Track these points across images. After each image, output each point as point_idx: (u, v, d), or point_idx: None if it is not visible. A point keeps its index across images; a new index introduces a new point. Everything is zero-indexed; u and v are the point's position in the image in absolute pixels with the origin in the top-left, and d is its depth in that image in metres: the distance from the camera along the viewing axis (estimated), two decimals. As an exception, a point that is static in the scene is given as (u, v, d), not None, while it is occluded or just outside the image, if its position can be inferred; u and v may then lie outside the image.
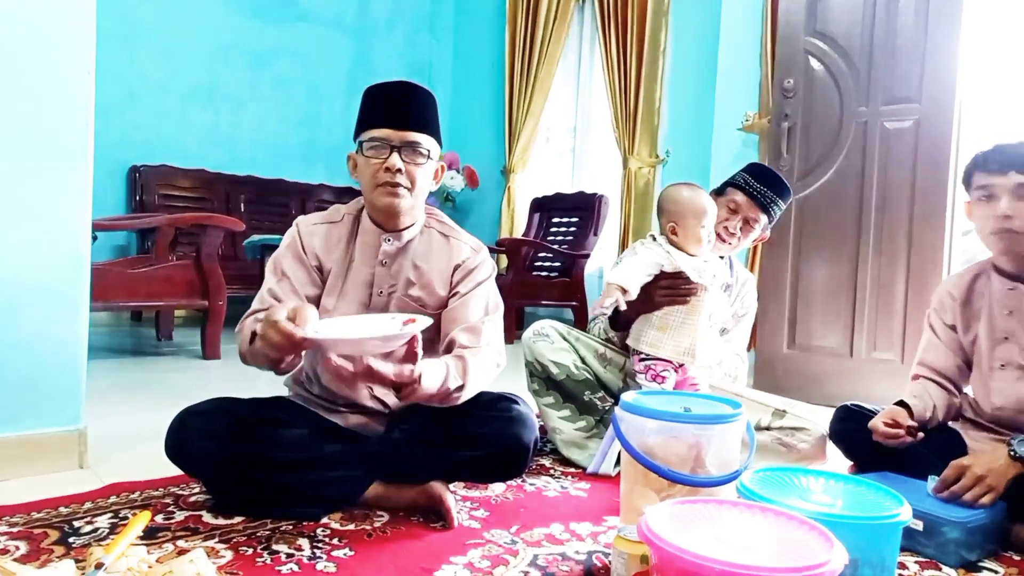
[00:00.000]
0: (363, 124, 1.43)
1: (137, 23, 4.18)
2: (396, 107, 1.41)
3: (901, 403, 1.59)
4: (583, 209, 4.47)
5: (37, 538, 1.23)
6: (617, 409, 1.28)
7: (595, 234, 4.37)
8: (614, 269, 1.73)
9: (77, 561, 1.08)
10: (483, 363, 1.45)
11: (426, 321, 1.21)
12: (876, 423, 1.54)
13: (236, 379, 2.91)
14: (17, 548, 1.19)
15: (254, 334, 1.27)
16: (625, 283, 1.64)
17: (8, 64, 1.49)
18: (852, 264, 2.83)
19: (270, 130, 4.89)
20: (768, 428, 1.73)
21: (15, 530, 1.26)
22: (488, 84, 5.27)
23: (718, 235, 1.90)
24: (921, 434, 1.52)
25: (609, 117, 4.32)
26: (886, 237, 2.76)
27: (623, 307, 1.65)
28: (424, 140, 1.42)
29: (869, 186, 2.79)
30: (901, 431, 1.51)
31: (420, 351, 1.21)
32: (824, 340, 2.87)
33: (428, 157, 1.43)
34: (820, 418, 1.84)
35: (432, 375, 1.28)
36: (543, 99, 4.80)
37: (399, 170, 1.39)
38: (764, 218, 1.91)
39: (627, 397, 1.30)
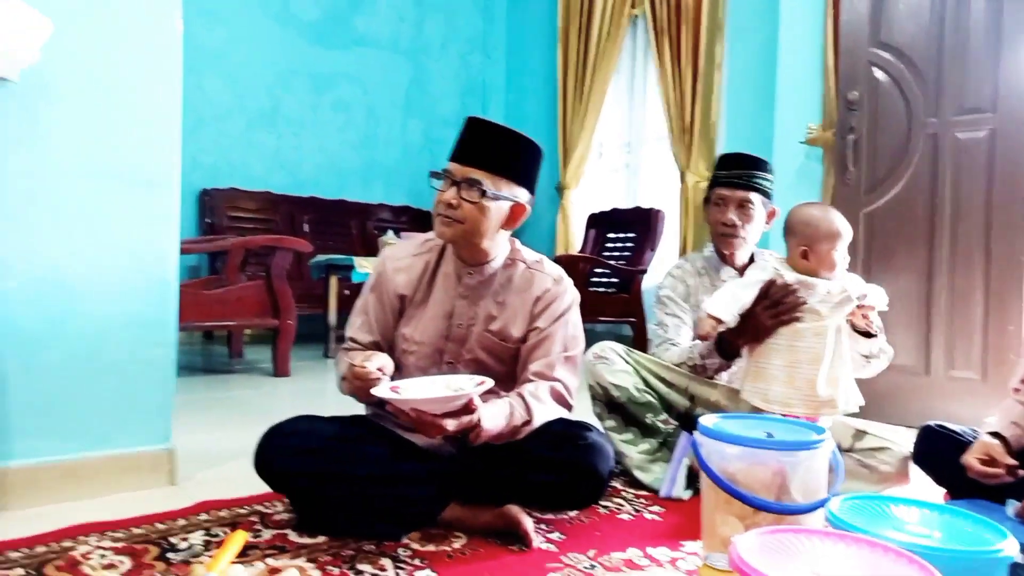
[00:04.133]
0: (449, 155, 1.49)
1: (204, 51, 4.36)
2: (469, 144, 1.45)
3: (995, 434, 1.47)
4: (640, 224, 4.45)
5: (139, 553, 1.30)
6: (696, 434, 1.27)
7: (652, 249, 4.34)
8: (712, 297, 1.68)
9: (180, 578, 1.13)
10: (549, 399, 1.48)
11: (490, 383, 1.34)
12: (970, 461, 1.43)
13: (307, 396, 3.00)
14: (122, 563, 1.25)
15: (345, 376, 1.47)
16: (718, 312, 1.60)
17: (102, 100, 1.58)
18: (924, 279, 2.74)
19: (330, 152, 5.03)
20: (849, 450, 1.69)
21: (119, 545, 1.33)
22: (541, 102, 5.31)
23: (726, 235, 1.89)
24: (1022, 471, 1.40)
25: (665, 131, 4.30)
26: (960, 251, 2.67)
27: (714, 336, 1.62)
28: (487, 180, 1.43)
29: (941, 199, 2.71)
30: (1000, 471, 1.40)
31: (478, 404, 1.32)
32: (898, 358, 2.76)
33: (487, 196, 1.43)
34: (900, 438, 1.78)
35: (494, 417, 1.37)
36: (596, 115, 4.81)
37: (451, 204, 1.43)
38: (754, 195, 1.89)
39: (706, 421, 1.29)
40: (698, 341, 1.85)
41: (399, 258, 1.57)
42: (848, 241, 1.64)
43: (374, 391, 1.32)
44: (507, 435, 1.41)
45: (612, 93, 4.81)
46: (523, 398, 1.45)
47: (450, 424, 1.29)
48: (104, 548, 1.31)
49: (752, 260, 1.94)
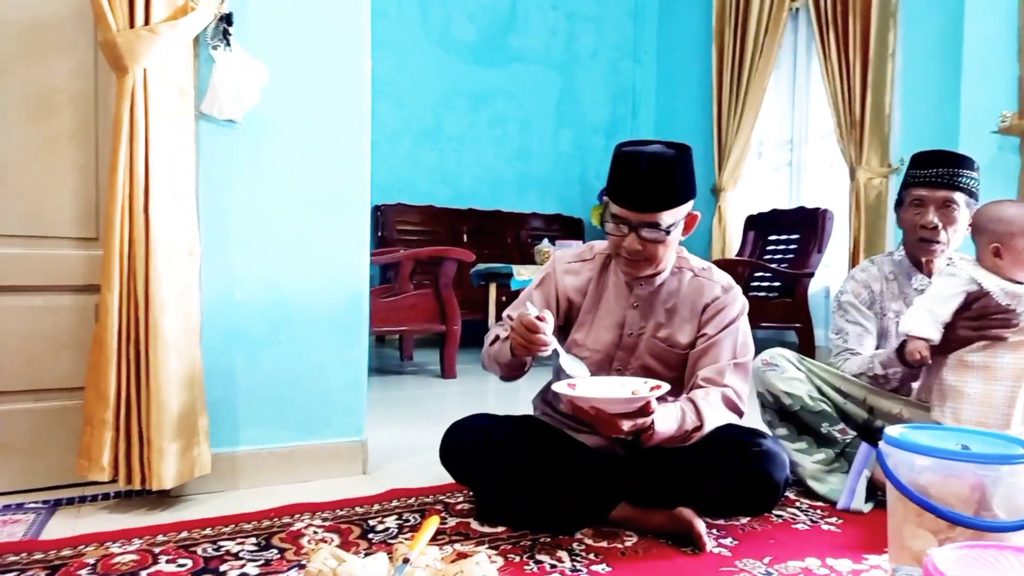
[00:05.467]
0: (609, 190, 1.48)
1: (376, 79, 4.71)
2: (638, 188, 1.42)
3: None
4: (804, 225, 4.24)
5: (344, 532, 1.47)
6: (882, 444, 1.22)
7: (819, 251, 4.11)
8: (907, 315, 1.60)
9: (387, 554, 1.27)
10: (720, 404, 1.48)
11: (666, 387, 1.35)
12: None
13: (473, 396, 3.18)
14: (332, 540, 1.42)
15: (496, 338, 1.54)
16: (925, 332, 1.52)
17: (308, 135, 1.81)
18: None
19: (487, 165, 5.27)
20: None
21: (327, 524, 1.51)
22: (694, 103, 5.21)
23: (926, 240, 1.73)
24: None
25: (832, 127, 4.07)
26: None
27: (929, 361, 1.53)
28: (666, 217, 1.43)
29: None
30: None
31: (655, 407, 1.34)
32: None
33: (668, 231, 1.44)
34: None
35: (666, 420, 1.39)
36: (754, 113, 4.65)
37: (636, 250, 1.44)
38: (958, 195, 1.71)
39: (892, 432, 1.24)
40: (880, 351, 1.75)
41: (568, 261, 1.63)
42: None
43: (554, 386, 1.38)
44: (678, 439, 1.43)
45: (771, 90, 4.63)
46: (694, 403, 1.46)
47: (625, 424, 1.32)
48: (316, 525, 1.49)
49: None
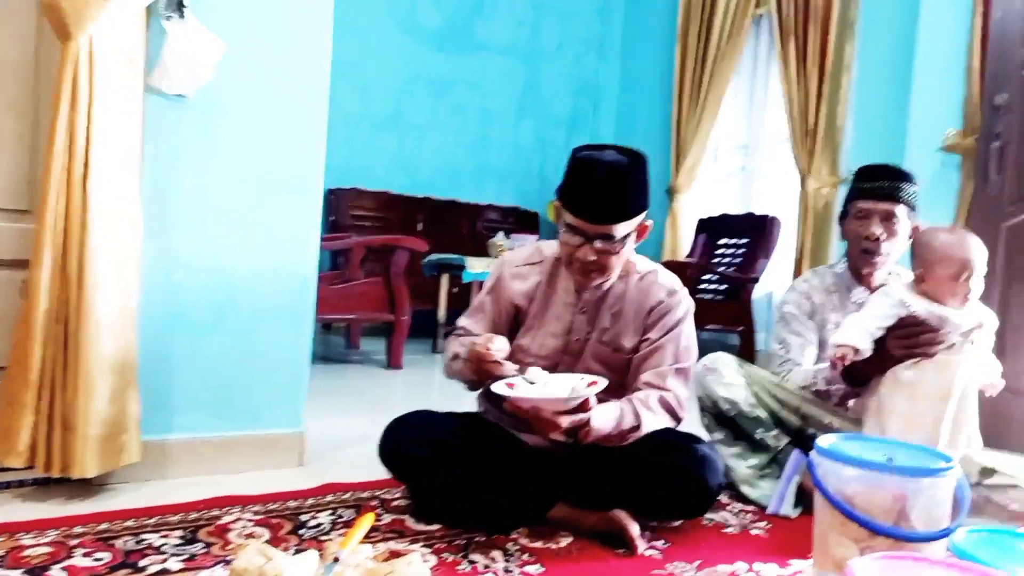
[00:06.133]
0: (564, 197, 1.46)
1: (336, 60, 4.60)
2: (595, 199, 1.42)
3: None
4: (753, 231, 4.32)
5: (275, 527, 1.43)
6: (813, 453, 1.25)
7: (766, 257, 4.20)
8: (841, 327, 1.64)
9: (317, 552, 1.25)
10: (659, 408, 1.50)
11: (604, 383, 1.38)
12: None
13: (419, 388, 3.15)
14: (261, 534, 1.39)
15: (456, 356, 1.53)
16: (857, 343, 1.56)
17: (262, 114, 1.75)
18: (1075, 299, 2.52)
19: (446, 154, 5.21)
20: (977, 485, 1.59)
21: (258, 517, 1.47)
22: (655, 103, 5.26)
23: (868, 251, 1.79)
24: None
25: (786, 135, 4.16)
26: (1120, 270, 2.43)
27: (847, 362, 1.58)
28: (620, 229, 1.43)
29: (1099, 212, 2.48)
30: None
31: (593, 404, 1.37)
32: (1037, 383, 2.57)
33: (624, 242, 1.45)
34: (1034, 474, 1.66)
35: (604, 418, 1.41)
36: (713, 117, 4.71)
37: (590, 260, 1.44)
38: (900, 208, 1.77)
39: (823, 441, 1.27)
40: (823, 365, 1.80)
41: (516, 264, 1.62)
42: (977, 271, 1.54)
43: (493, 387, 1.38)
44: (615, 438, 1.45)
45: (731, 94, 4.69)
46: (633, 404, 1.48)
47: (564, 421, 1.34)
48: (246, 519, 1.45)
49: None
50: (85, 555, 1.25)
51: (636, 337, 1.56)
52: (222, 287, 1.72)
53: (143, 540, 1.32)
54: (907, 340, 1.56)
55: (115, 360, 1.50)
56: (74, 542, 1.29)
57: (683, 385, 1.55)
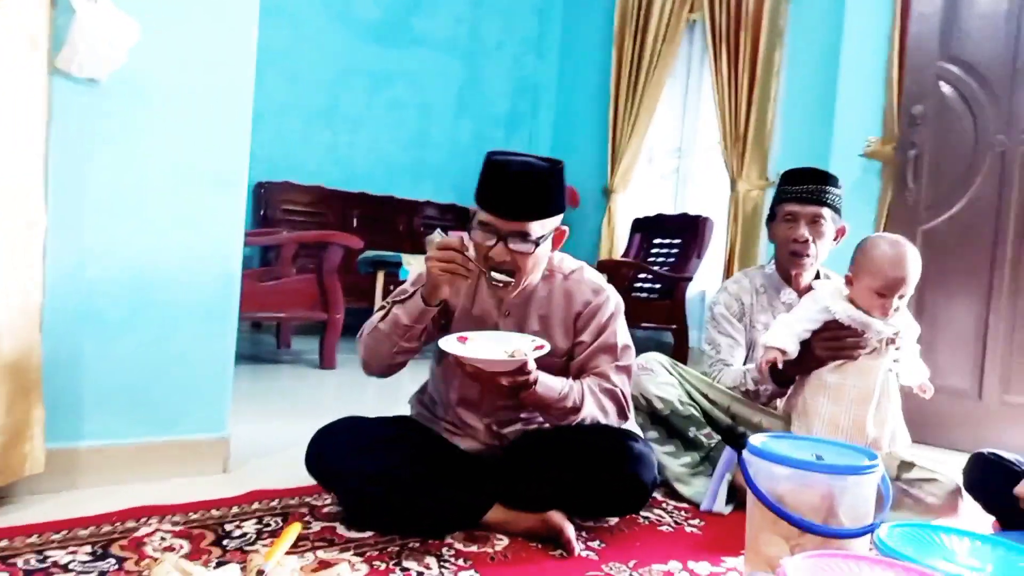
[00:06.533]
0: (478, 197, 1.44)
1: (267, 48, 4.41)
2: (508, 195, 1.39)
3: None
4: (687, 231, 4.41)
5: (196, 538, 1.35)
6: (745, 453, 1.27)
7: (698, 257, 4.30)
8: (771, 329, 1.68)
9: (239, 564, 1.18)
10: (606, 399, 1.50)
11: (548, 347, 1.41)
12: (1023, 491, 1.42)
13: (352, 389, 3.06)
14: (181, 547, 1.31)
15: (386, 313, 1.51)
16: (784, 345, 1.60)
17: (181, 102, 1.65)
18: (983, 301, 2.66)
19: (382, 149, 5.11)
20: (896, 479, 1.66)
21: (177, 528, 1.39)
22: (592, 104, 5.30)
23: (796, 253, 1.84)
24: None
25: (717, 138, 4.26)
26: (1024, 274, 2.58)
27: (779, 365, 1.61)
28: (535, 228, 1.41)
29: (1006, 218, 2.63)
30: None
31: (533, 367, 1.40)
32: (949, 381, 2.71)
33: (537, 243, 1.42)
34: (950, 469, 1.75)
35: (549, 383, 1.42)
36: (648, 120, 4.78)
37: (504, 260, 1.42)
38: (826, 210, 1.84)
39: (755, 440, 1.29)
40: (751, 366, 1.84)
41: None
42: (904, 289, 1.57)
43: (441, 342, 1.39)
44: (555, 411, 1.47)
45: (665, 98, 4.77)
46: (582, 386, 1.49)
47: (505, 380, 1.36)
48: (164, 531, 1.37)
49: (817, 278, 1.92)
50: (-21, 576, 1.15)
51: (568, 339, 1.55)
52: (138, 284, 1.62)
53: (47, 557, 1.23)
54: (831, 343, 1.60)
55: (15, 362, 1.39)
56: (-33, 562, 1.19)
57: (627, 383, 1.56)
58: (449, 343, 1.39)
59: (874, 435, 1.55)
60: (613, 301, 1.57)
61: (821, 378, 1.62)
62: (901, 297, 1.58)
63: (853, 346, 1.58)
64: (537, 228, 1.42)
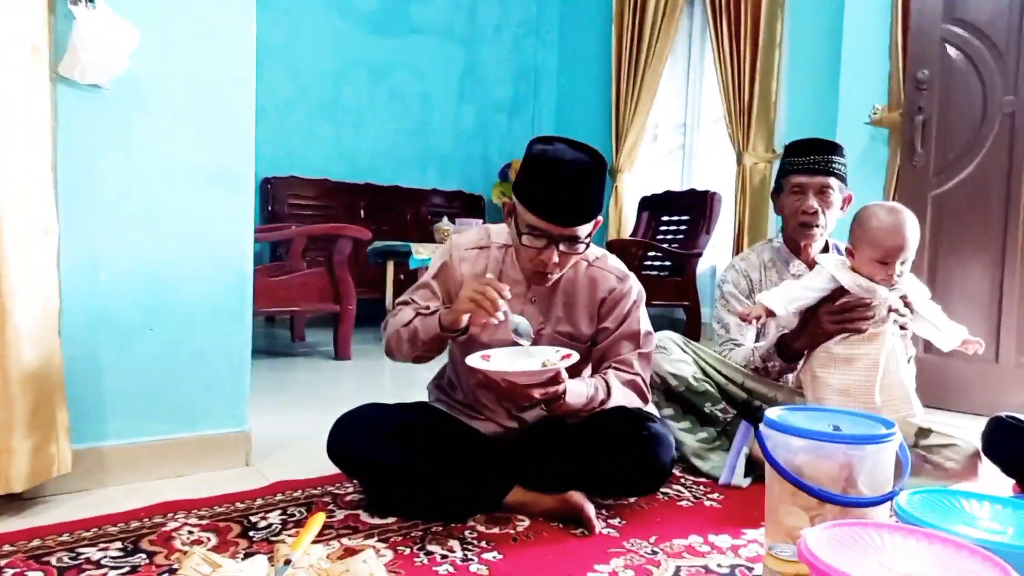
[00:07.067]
0: (527, 200, 1.39)
1: (267, 44, 4.41)
2: (566, 203, 1.37)
3: None
4: (694, 207, 4.40)
5: (223, 531, 1.38)
6: (762, 426, 1.27)
7: (707, 232, 4.28)
8: (771, 290, 1.69)
9: (266, 555, 1.20)
10: (629, 388, 1.53)
11: (576, 357, 1.40)
12: None
13: (368, 379, 3.09)
14: (209, 540, 1.34)
15: (413, 318, 1.49)
16: (770, 303, 1.60)
17: (185, 103, 1.66)
18: (997, 264, 2.65)
19: (386, 139, 5.11)
20: (914, 447, 1.66)
21: (204, 522, 1.41)
22: (594, 84, 5.27)
23: (806, 224, 1.83)
24: None
25: (722, 113, 4.23)
26: (1037, 235, 2.56)
27: (761, 323, 1.62)
28: (585, 230, 1.41)
29: (1017, 181, 2.60)
30: None
31: (565, 377, 1.39)
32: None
33: (587, 241, 1.44)
34: (968, 434, 1.74)
35: (577, 390, 1.42)
36: (651, 97, 4.75)
37: (555, 264, 1.42)
38: (833, 180, 1.82)
39: (772, 414, 1.29)
40: (760, 344, 1.84)
41: (464, 247, 1.58)
42: (905, 255, 1.57)
43: (468, 360, 1.38)
44: (584, 414, 1.48)
45: (667, 75, 4.74)
46: (606, 380, 1.51)
47: (536, 393, 1.35)
48: (191, 525, 1.40)
49: (826, 250, 1.91)
50: (16, 575, 1.18)
51: (592, 324, 1.57)
52: (151, 287, 1.64)
53: (80, 555, 1.25)
54: (839, 315, 1.60)
55: (38, 367, 1.42)
56: (3, 562, 1.21)
57: (647, 370, 1.59)
58: (476, 361, 1.37)
59: (883, 402, 1.55)
60: (636, 289, 1.59)
61: (829, 350, 1.62)
62: (903, 263, 1.58)
63: (861, 317, 1.58)
64: (586, 229, 1.42)
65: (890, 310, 1.57)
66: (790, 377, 1.83)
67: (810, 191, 1.83)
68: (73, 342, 1.53)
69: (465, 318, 1.38)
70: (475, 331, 1.47)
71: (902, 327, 1.61)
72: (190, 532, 1.36)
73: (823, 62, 3.61)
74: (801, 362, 1.74)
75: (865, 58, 3.28)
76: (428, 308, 1.50)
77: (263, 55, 1.78)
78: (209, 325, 1.72)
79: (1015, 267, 2.60)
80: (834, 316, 1.61)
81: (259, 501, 1.54)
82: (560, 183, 1.37)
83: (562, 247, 1.41)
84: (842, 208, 1.89)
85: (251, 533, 1.37)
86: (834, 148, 1.85)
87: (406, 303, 1.56)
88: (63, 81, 1.50)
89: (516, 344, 1.41)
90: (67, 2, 1.47)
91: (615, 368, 1.55)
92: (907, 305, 1.58)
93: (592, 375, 1.57)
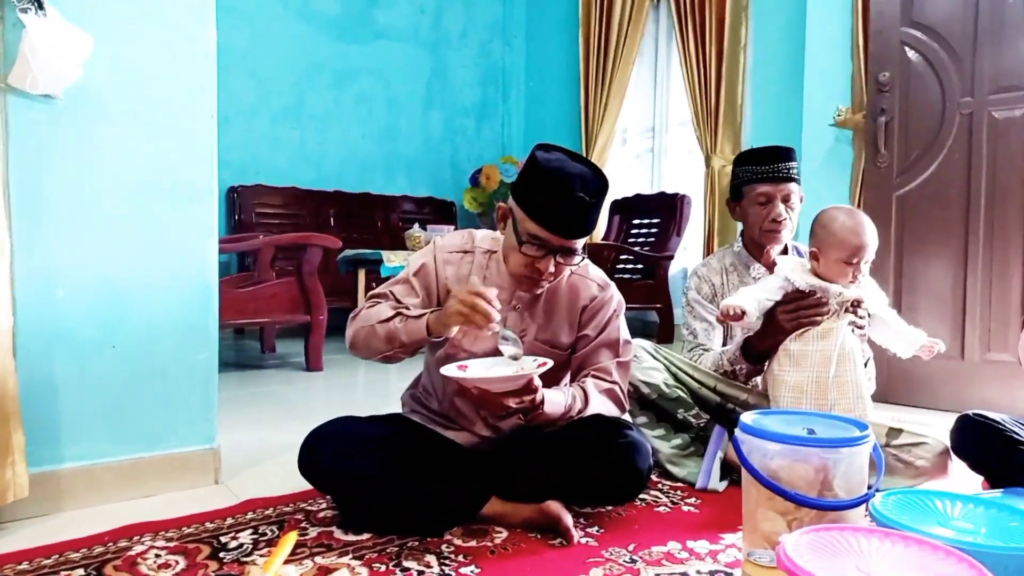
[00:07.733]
0: (531, 209, 1.39)
1: (228, 49, 4.36)
2: (572, 217, 1.38)
3: None
4: (665, 210, 4.43)
5: (192, 553, 1.34)
6: (737, 431, 1.27)
7: (678, 235, 4.32)
8: (731, 296, 1.71)
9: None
10: (604, 397, 1.52)
11: (551, 363, 1.40)
12: None
13: (341, 390, 3.04)
14: (177, 563, 1.29)
15: (391, 317, 1.45)
16: (744, 305, 1.62)
17: (143, 112, 1.61)
18: (960, 262, 2.70)
19: (353, 145, 5.06)
20: (885, 447, 1.68)
21: (172, 544, 1.37)
22: (562, 89, 5.28)
23: (773, 231, 1.86)
24: None
25: (689, 116, 4.26)
26: (998, 233, 2.62)
27: (738, 320, 1.64)
28: (582, 242, 1.44)
29: (977, 179, 2.66)
30: None
31: (539, 385, 1.38)
32: (931, 342, 2.75)
33: (583, 251, 1.46)
34: (937, 431, 1.77)
35: (554, 399, 1.42)
36: (619, 101, 4.77)
37: (550, 272, 1.43)
38: (793, 185, 1.87)
39: (746, 418, 1.29)
40: (728, 347, 1.85)
41: (449, 250, 1.56)
42: (867, 255, 1.62)
43: (443, 370, 1.37)
44: (561, 422, 1.48)
45: (635, 78, 4.77)
46: (583, 389, 1.51)
47: (512, 402, 1.34)
48: (158, 548, 1.35)
49: (786, 251, 1.93)
50: (-30, 610, 1.13)
51: (572, 333, 1.57)
52: (111, 302, 1.59)
53: (39, 585, 1.21)
54: (793, 312, 1.64)
55: (-7, 389, 1.36)
56: (-44, 596, 1.16)
57: (626, 378, 1.59)
58: (452, 371, 1.37)
59: (834, 398, 1.57)
60: (617, 297, 1.60)
61: (786, 348, 1.65)
62: (866, 263, 1.63)
63: (814, 312, 1.62)
64: (582, 243, 1.45)
65: (842, 305, 1.60)
66: (759, 380, 1.84)
67: (777, 199, 1.86)
68: (29, 362, 1.47)
69: (455, 329, 1.39)
70: (459, 337, 1.49)
71: (859, 327, 1.63)
72: (157, 555, 1.32)
73: (787, 65, 3.66)
74: (767, 364, 1.76)
75: (828, 60, 3.34)
76: (409, 307, 1.47)
77: (225, 61, 1.74)
78: (173, 340, 1.67)
79: (977, 264, 2.66)
80: (788, 313, 1.64)
81: (229, 520, 1.50)
82: (567, 197, 1.37)
83: (559, 258, 1.42)
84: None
85: (221, 554, 1.33)
86: (790, 153, 1.90)
87: (383, 295, 1.52)
88: (13, 92, 1.44)
89: (499, 355, 1.41)
90: (15, 10, 1.41)
91: (594, 376, 1.55)
92: (859, 304, 1.61)
93: (570, 383, 1.56)
